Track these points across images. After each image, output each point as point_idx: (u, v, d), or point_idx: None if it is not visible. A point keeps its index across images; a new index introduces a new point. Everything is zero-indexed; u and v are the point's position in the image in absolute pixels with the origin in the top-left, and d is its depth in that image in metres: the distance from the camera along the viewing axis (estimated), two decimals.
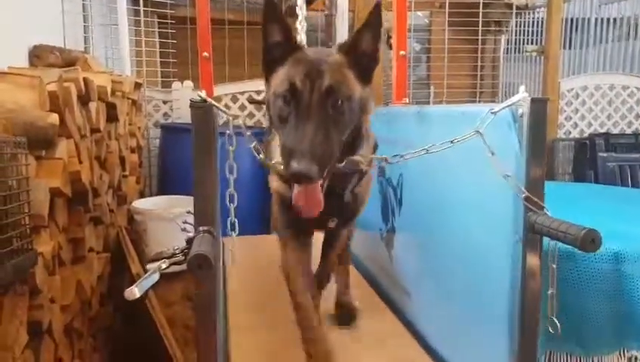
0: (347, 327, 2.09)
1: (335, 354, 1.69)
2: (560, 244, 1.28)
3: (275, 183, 1.73)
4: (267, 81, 1.50)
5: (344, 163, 1.46)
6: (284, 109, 1.36)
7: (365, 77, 1.48)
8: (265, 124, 4.96)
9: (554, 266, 1.32)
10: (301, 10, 2.11)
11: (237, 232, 1.46)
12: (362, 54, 1.46)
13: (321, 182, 1.36)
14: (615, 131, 5.94)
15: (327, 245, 1.98)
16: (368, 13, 1.45)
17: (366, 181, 1.75)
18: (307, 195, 1.36)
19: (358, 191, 1.72)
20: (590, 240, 1.14)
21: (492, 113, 1.34)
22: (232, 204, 1.47)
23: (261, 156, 1.50)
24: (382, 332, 2.09)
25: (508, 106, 1.34)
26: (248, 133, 1.46)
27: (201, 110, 1.42)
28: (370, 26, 1.45)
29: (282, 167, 1.39)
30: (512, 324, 1.40)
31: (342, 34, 5.07)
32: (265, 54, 1.49)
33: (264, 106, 1.73)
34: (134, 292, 1.12)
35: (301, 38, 2.04)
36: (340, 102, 1.36)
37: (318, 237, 1.91)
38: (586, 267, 1.96)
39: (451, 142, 1.40)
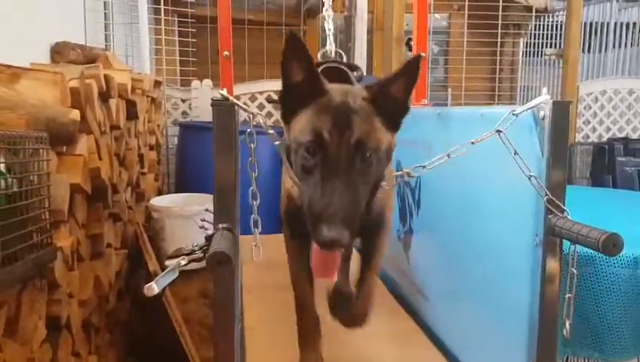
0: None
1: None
2: (579, 248, 1.27)
3: (288, 184, 1.66)
4: (287, 124, 1.38)
5: None
6: (308, 160, 1.26)
7: (393, 124, 1.37)
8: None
9: (574, 270, 1.31)
10: (327, 12, 2.08)
11: (260, 229, 1.43)
12: (392, 102, 1.35)
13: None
14: (634, 136, 5.88)
15: (363, 267, 1.80)
16: (407, 61, 1.32)
17: (384, 196, 1.62)
18: (326, 261, 1.31)
19: (375, 207, 1.59)
20: (612, 244, 1.13)
21: (514, 114, 1.33)
22: (254, 202, 1.43)
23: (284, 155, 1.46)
24: (397, 333, 2.08)
25: (530, 108, 1.33)
26: (271, 131, 1.44)
27: (223, 108, 1.43)
28: (406, 75, 1.32)
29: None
30: (530, 328, 1.39)
31: (361, 35, 5.08)
32: (284, 94, 1.36)
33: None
34: (153, 288, 1.12)
35: (330, 41, 1.98)
36: (368, 154, 1.26)
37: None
38: (605, 271, 1.94)
39: (472, 142, 1.38)
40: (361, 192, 1.26)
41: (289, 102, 1.36)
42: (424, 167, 1.44)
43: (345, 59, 1.94)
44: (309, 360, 1.76)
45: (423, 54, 2.54)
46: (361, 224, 1.34)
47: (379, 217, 1.70)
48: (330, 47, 1.97)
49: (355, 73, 1.83)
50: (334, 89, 1.36)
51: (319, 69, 1.78)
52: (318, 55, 1.91)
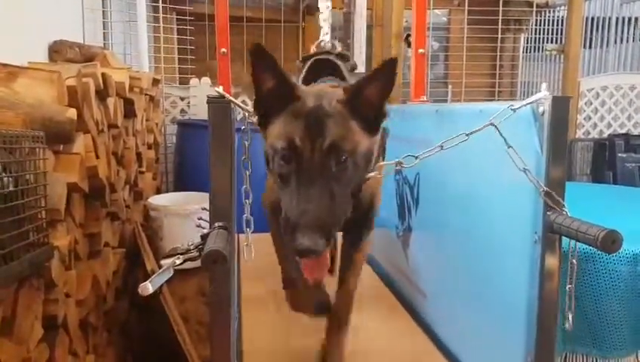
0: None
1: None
2: (578, 245, 1.26)
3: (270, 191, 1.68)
4: (264, 131, 1.38)
5: None
6: (283, 167, 1.26)
7: (371, 127, 1.35)
8: None
9: (574, 261, 1.29)
10: (325, 3, 2.07)
11: (252, 228, 1.43)
12: (368, 105, 1.32)
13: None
14: (635, 132, 5.86)
15: (344, 263, 1.81)
16: (382, 62, 1.27)
17: (373, 180, 1.60)
18: (313, 266, 1.31)
19: (363, 199, 1.60)
20: (611, 241, 1.12)
21: (512, 109, 1.32)
22: (247, 201, 1.43)
23: None
24: (396, 331, 2.08)
25: (529, 104, 1.32)
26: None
27: (219, 106, 1.42)
28: (379, 77, 1.29)
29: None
30: (529, 325, 1.38)
31: (360, 31, 5.06)
32: (257, 103, 1.36)
33: None
34: (148, 287, 1.11)
35: (325, 32, 1.99)
36: (343, 158, 1.25)
37: None
38: (604, 268, 1.94)
39: (466, 135, 1.36)
40: (338, 198, 1.25)
41: (263, 110, 1.36)
42: (416, 157, 1.40)
43: (339, 49, 1.93)
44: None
45: (421, 50, 2.54)
46: (347, 219, 1.34)
47: (369, 205, 1.72)
48: (325, 37, 1.96)
49: (347, 63, 1.83)
50: (309, 93, 1.36)
51: (308, 62, 1.77)
52: (313, 46, 1.90)
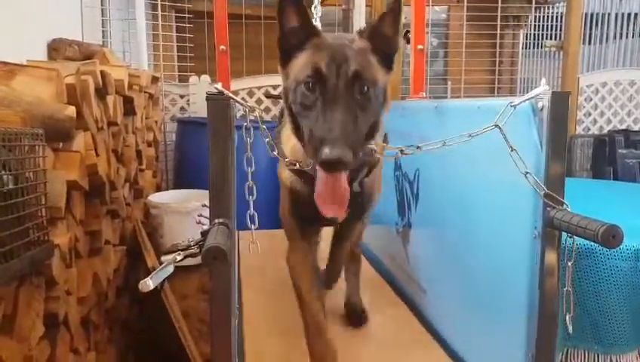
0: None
1: (338, 354, 1.67)
2: (579, 241, 1.26)
3: (285, 174, 1.69)
4: (284, 68, 1.45)
5: None
6: (308, 96, 1.31)
7: (387, 63, 1.44)
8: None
9: (570, 264, 1.30)
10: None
11: (256, 225, 1.43)
12: (383, 40, 1.42)
13: (347, 180, 1.32)
14: (635, 128, 5.85)
15: (336, 242, 1.93)
16: (390, 2, 1.42)
17: (376, 172, 1.71)
18: (334, 192, 1.31)
19: (368, 183, 1.67)
20: (611, 236, 1.12)
21: (512, 106, 1.32)
22: (251, 197, 1.44)
23: (275, 153, 1.46)
24: (396, 327, 2.08)
25: (528, 99, 1.32)
26: (263, 126, 1.43)
27: (218, 103, 1.41)
28: (392, 11, 1.40)
29: (298, 163, 1.39)
30: (529, 321, 1.39)
31: (359, 28, 5.05)
32: (281, 41, 1.43)
33: (281, 101, 1.67)
34: (148, 284, 1.11)
35: (317, 22, 2.03)
36: (366, 88, 1.32)
37: (327, 231, 1.90)
38: (605, 264, 1.94)
39: (470, 135, 1.37)
40: (360, 123, 1.30)
41: (286, 47, 1.43)
42: (419, 147, 1.44)
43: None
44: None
45: (420, 46, 2.54)
46: (353, 198, 1.38)
47: (371, 197, 1.76)
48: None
49: None
50: (328, 34, 1.45)
51: None
52: None
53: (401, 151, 1.46)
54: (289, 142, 1.58)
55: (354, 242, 2.04)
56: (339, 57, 1.31)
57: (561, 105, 1.29)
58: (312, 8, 2.11)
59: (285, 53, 1.43)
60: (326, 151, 1.17)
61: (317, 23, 2.07)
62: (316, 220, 1.56)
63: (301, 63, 1.37)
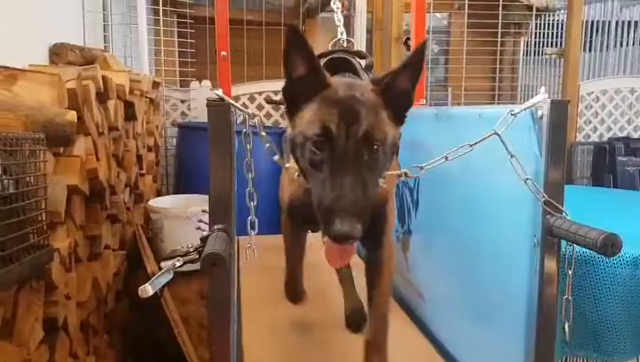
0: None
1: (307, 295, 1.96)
2: (578, 249, 1.26)
3: (286, 183, 1.70)
4: (290, 118, 1.38)
5: None
6: (316, 154, 1.25)
7: (399, 117, 1.37)
8: (283, 124, 4.97)
9: (570, 272, 1.30)
10: (335, 4, 2.09)
11: (256, 231, 1.43)
12: (398, 95, 1.34)
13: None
14: (635, 135, 5.86)
15: (370, 284, 1.75)
16: (413, 51, 1.35)
17: (384, 191, 1.59)
18: (341, 251, 1.30)
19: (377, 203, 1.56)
20: (610, 244, 1.12)
21: (512, 114, 1.32)
22: (252, 203, 1.43)
23: (276, 157, 1.45)
24: (394, 333, 2.07)
25: (528, 108, 1.32)
26: (263, 133, 1.43)
27: (218, 108, 1.42)
28: (412, 66, 1.33)
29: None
30: (528, 328, 1.39)
31: (360, 34, 5.06)
32: (288, 89, 1.35)
33: (282, 107, 1.65)
34: (147, 290, 1.11)
35: (342, 32, 1.98)
36: (376, 148, 1.26)
37: None
38: (605, 272, 1.94)
39: (470, 145, 1.36)
40: (369, 185, 1.25)
41: (293, 97, 1.35)
42: (421, 168, 1.42)
43: (355, 47, 1.95)
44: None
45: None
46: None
47: (383, 217, 1.68)
48: (342, 36, 1.97)
49: (365, 61, 1.83)
50: (339, 82, 1.37)
51: (324, 60, 1.77)
52: (329, 45, 1.90)
53: (405, 175, 1.43)
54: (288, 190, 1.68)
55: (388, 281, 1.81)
56: (349, 115, 1.25)
57: (560, 114, 1.29)
58: (332, 3, 2.10)
59: (292, 101, 1.37)
60: (337, 228, 1.14)
61: (339, 21, 2.03)
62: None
63: (309, 118, 1.29)
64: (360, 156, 1.24)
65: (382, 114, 1.31)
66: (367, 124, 1.25)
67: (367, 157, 1.25)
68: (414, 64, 1.33)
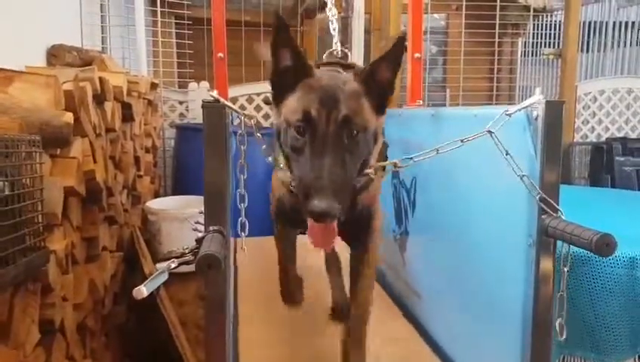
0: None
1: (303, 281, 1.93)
2: (575, 249, 1.26)
3: (276, 185, 1.71)
4: (276, 107, 1.43)
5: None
6: (297, 139, 1.31)
7: (380, 107, 1.43)
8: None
9: (565, 270, 1.30)
10: (331, 11, 2.08)
11: (246, 233, 1.44)
12: (379, 83, 1.40)
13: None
14: (633, 135, 5.87)
15: (353, 279, 1.81)
16: (392, 43, 1.38)
17: (373, 187, 1.65)
18: (323, 234, 1.32)
19: (364, 200, 1.63)
20: (605, 245, 1.12)
21: (506, 115, 1.33)
22: (242, 204, 1.44)
23: (270, 158, 1.47)
24: (392, 333, 2.08)
25: (523, 108, 1.33)
26: (258, 134, 1.44)
27: (214, 110, 1.42)
28: (391, 56, 1.39)
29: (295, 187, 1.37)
30: (524, 328, 1.39)
31: (358, 36, 5.07)
32: (274, 79, 1.42)
33: None
34: (142, 291, 1.11)
35: (337, 42, 1.99)
36: (355, 132, 1.31)
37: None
38: (601, 272, 1.94)
39: (461, 141, 1.38)
40: (349, 168, 1.29)
41: (279, 86, 1.42)
42: (411, 158, 1.45)
43: (350, 59, 1.95)
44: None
45: (417, 55, 2.54)
46: (351, 229, 1.36)
47: (370, 214, 1.71)
48: (336, 47, 1.97)
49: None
50: (323, 73, 1.44)
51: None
52: (324, 56, 1.91)
53: (395, 165, 1.47)
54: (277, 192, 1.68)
55: (371, 279, 1.87)
56: (329, 101, 1.31)
57: (555, 114, 1.29)
58: (327, 10, 2.10)
59: (278, 90, 1.43)
60: (314, 203, 1.18)
61: (334, 25, 2.04)
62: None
63: (292, 105, 1.36)
64: (340, 140, 1.28)
65: (362, 101, 1.37)
66: (347, 109, 1.30)
67: (347, 142, 1.30)
68: (394, 54, 1.39)
